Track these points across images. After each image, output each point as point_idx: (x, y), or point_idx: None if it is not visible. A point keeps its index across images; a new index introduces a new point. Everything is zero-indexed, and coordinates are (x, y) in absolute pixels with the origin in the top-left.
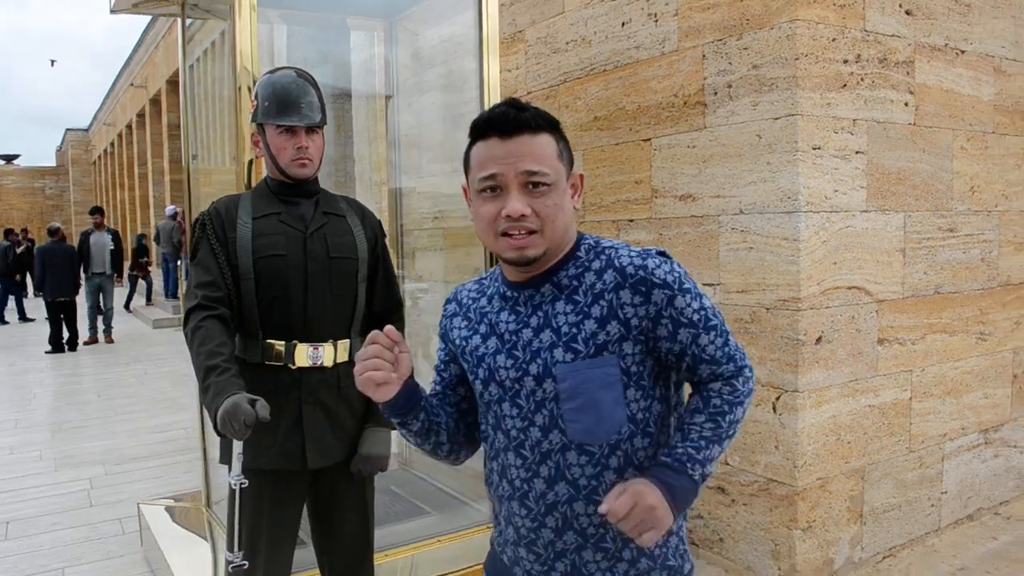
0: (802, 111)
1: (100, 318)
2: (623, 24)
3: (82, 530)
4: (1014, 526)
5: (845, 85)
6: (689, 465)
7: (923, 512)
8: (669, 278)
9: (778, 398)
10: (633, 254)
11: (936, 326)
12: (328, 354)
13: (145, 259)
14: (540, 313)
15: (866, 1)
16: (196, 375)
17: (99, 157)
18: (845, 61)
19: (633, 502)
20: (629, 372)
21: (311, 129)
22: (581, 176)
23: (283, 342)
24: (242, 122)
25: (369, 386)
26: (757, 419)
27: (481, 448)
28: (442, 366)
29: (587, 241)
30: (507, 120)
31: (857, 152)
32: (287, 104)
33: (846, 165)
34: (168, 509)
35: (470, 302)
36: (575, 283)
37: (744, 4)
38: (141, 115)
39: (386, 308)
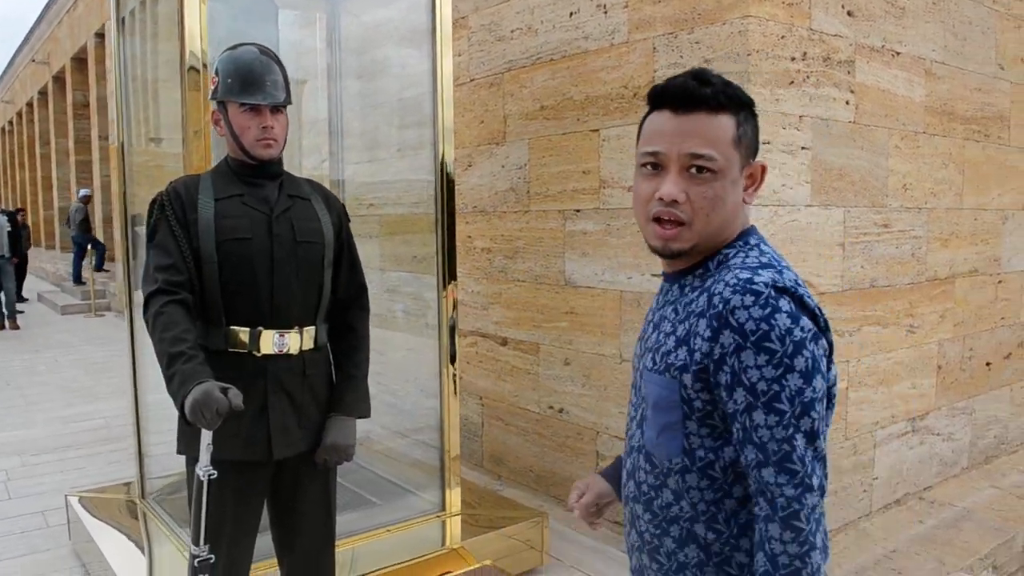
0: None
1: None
2: (571, 14)
3: (1, 524)
4: (938, 510)
5: (792, 82)
6: None
7: (856, 497)
8: (749, 326)
9: None
10: (732, 283)
11: (871, 318)
12: (294, 341)
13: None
14: (664, 311)
15: (812, 1)
16: (159, 362)
17: None
18: (792, 59)
19: None
20: (691, 404)
21: (276, 109)
22: (763, 167)
23: (247, 329)
24: (190, 104)
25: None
26: None
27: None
28: None
29: (733, 249)
30: (684, 93)
31: (803, 148)
32: (251, 82)
33: (792, 160)
34: (98, 501)
35: None
36: (689, 293)
37: None
38: (43, 92)
39: (350, 294)
